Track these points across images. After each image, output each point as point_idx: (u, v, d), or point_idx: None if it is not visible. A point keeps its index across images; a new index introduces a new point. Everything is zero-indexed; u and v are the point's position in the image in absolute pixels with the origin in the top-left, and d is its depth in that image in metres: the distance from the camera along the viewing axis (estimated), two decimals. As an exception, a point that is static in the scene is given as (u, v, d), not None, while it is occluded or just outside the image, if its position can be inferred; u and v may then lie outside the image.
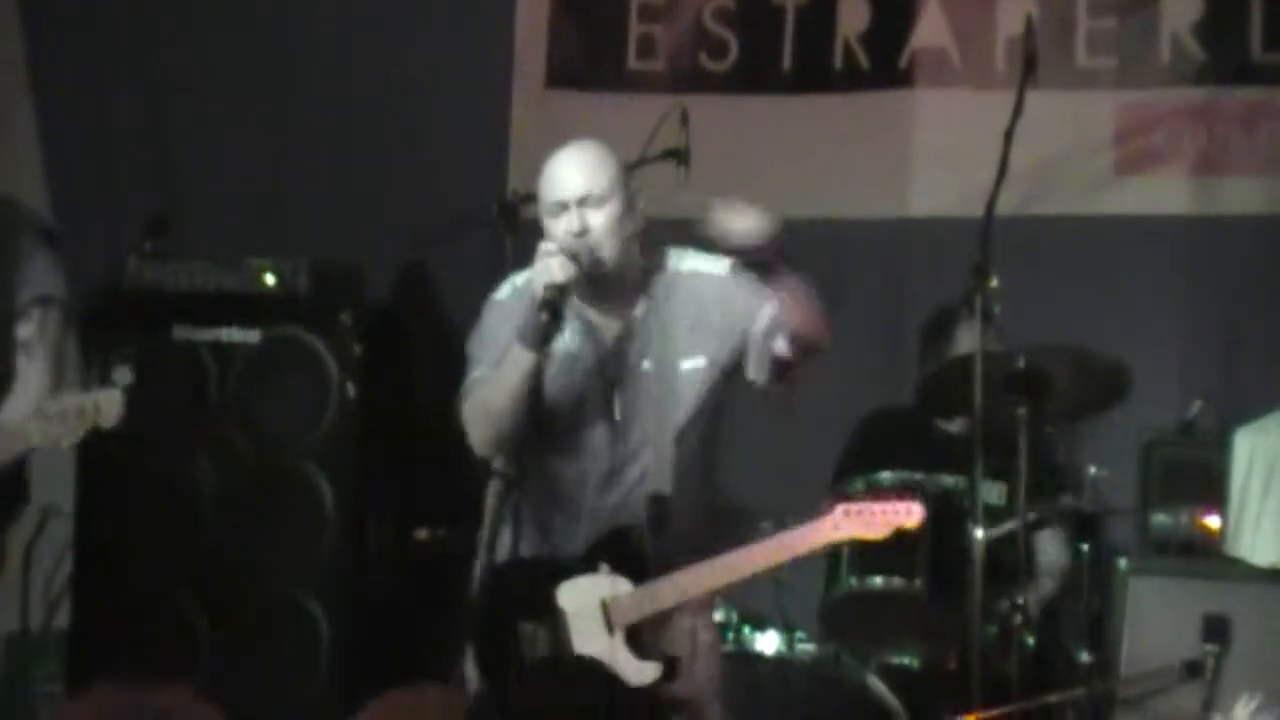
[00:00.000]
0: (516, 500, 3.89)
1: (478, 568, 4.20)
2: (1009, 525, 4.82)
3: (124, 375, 4.05)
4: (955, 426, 5.44)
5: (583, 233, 4.00)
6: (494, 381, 4.02)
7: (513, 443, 4.03)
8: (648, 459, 4.09)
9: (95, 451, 5.75)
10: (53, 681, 6.01)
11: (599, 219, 4.02)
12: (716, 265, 4.14)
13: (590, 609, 4.01)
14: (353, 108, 6.49)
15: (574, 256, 3.97)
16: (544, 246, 4.01)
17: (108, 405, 4.05)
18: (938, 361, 5.43)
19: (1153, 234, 6.06)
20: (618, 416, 4.09)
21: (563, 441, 4.09)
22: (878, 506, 3.99)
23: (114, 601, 5.79)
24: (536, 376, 3.95)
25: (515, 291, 4.18)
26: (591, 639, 4.01)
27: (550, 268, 3.93)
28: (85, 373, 4.43)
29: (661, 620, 4.04)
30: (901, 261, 6.28)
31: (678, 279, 4.14)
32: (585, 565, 4.04)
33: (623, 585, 4.03)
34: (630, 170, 4.21)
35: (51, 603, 6.10)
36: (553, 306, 3.91)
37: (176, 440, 5.78)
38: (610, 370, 4.10)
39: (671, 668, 4.04)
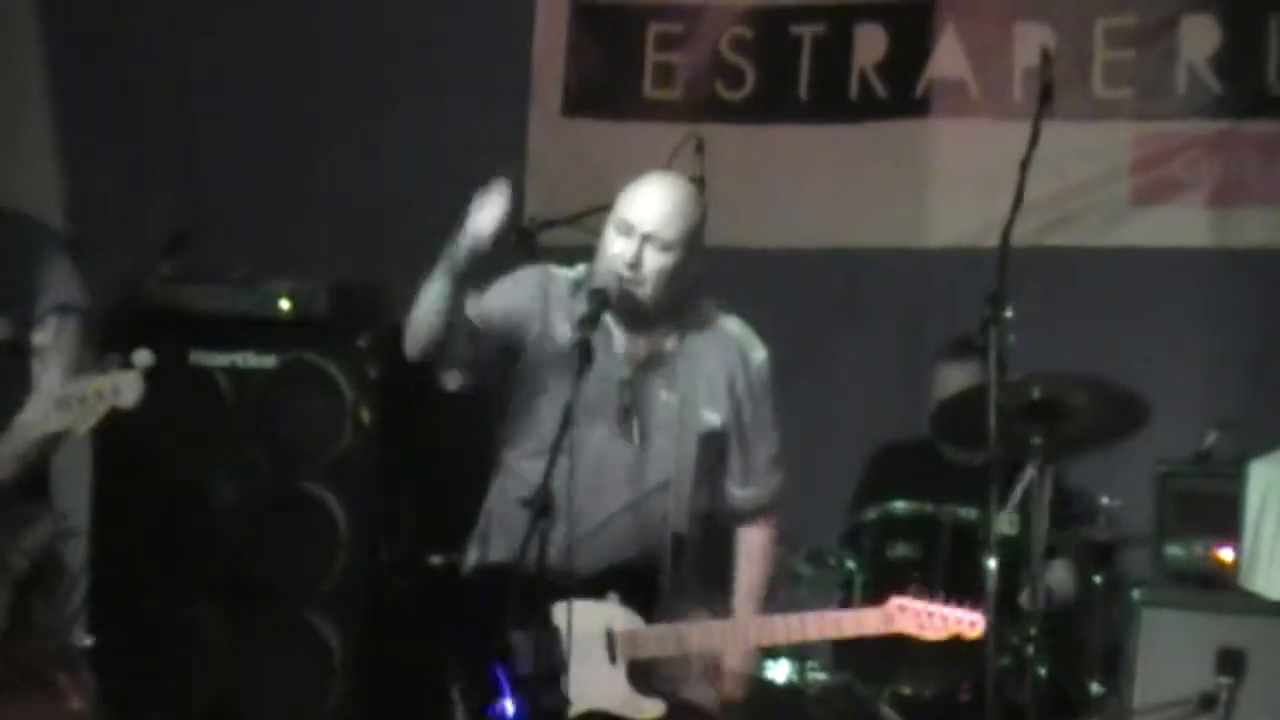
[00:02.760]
0: (544, 528, 3.83)
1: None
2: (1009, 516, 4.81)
3: (143, 357, 4.00)
4: (967, 456, 5.43)
5: (635, 265, 4.01)
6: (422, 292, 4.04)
7: (437, 356, 4.04)
8: (656, 483, 4.08)
9: (111, 473, 5.80)
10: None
11: (654, 261, 4.02)
12: (757, 347, 4.19)
13: (593, 634, 3.99)
14: (372, 131, 6.51)
15: (600, 292, 3.99)
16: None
17: (127, 386, 3.98)
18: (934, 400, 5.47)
19: (1169, 264, 6.06)
20: (635, 437, 4.09)
21: (550, 441, 4.01)
22: (938, 610, 3.96)
23: (130, 620, 5.79)
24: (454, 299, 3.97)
25: (544, 275, 4.20)
26: (589, 663, 3.97)
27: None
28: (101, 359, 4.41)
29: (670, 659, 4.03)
30: (918, 290, 6.28)
31: (719, 333, 4.16)
32: (590, 589, 4.00)
33: (631, 619, 4.01)
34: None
35: (68, 621, 6.09)
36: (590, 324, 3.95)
37: (193, 462, 5.79)
38: (627, 392, 4.09)
39: (674, 706, 4.02)
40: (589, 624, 3.98)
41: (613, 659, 3.99)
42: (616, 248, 4.03)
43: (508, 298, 4.14)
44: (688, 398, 4.09)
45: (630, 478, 4.09)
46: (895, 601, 3.96)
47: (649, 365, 4.11)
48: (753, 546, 4.22)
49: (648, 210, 4.04)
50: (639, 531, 4.08)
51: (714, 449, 4.14)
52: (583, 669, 3.96)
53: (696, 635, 4.01)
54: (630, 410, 4.08)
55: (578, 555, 3.97)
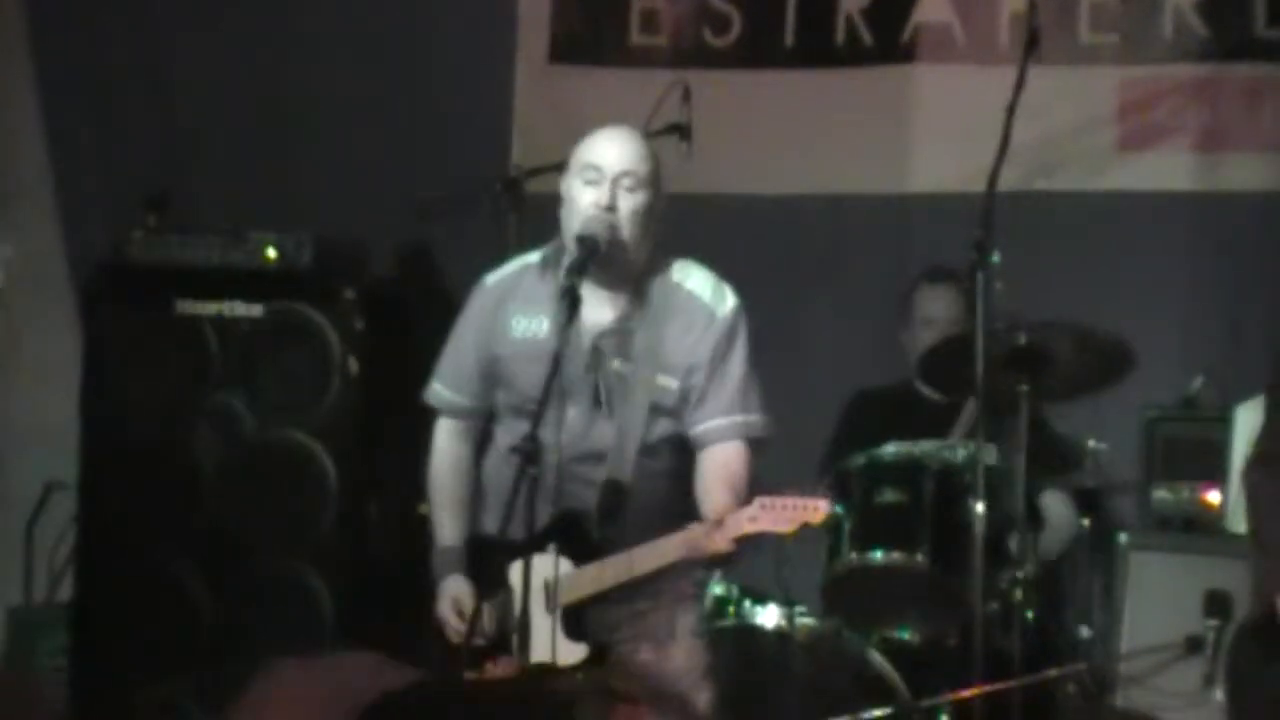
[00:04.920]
0: (534, 476, 3.82)
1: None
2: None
3: (3, 251, 3.96)
4: (946, 397, 5.43)
5: (611, 208, 4.00)
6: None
7: None
8: (596, 450, 4.06)
9: (99, 425, 5.80)
10: (57, 655, 6.02)
11: (629, 202, 4.01)
12: (720, 298, 4.11)
13: (535, 588, 3.96)
14: (356, 82, 6.48)
15: (590, 238, 3.96)
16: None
17: None
18: (907, 328, 5.56)
19: (1155, 210, 6.05)
20: (602, 401, 4.08)
21: (524, 402, 4.05)
22: (788, 501, 3.88)
23: (117, 574, 5.80)
24: None
25: (500, 280, 4.21)
26: (535, 617, 3.96)
27: None
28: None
29: (607, 606, 4.01)
30: (903, 237, 6.27)
31: (677, 292, 4.10)
32: (536, 545, 3.96)
33: (565, 567, 4.00)
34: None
35: (55, 576, 6.11)
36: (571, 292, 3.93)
37: (179, 414, 5.78)
38: (592, 358, 4.08)
39: (601, 654, 4.00)
40: (533, 578, 3.94)
41: (548, 608, 3.98)
42: (588, 196, 4.01)
43: (464, 352, 4.24)
44: (642, 368, 4.05)
45: (573, 440, 4.06)
46: (757, 500, 3.88)
47: (608, 332, 4.08)
48: (715, 466, 4.07)
49: (612, 152, 4.03)
50: (573, 494, 4.05)
51: (665, 412, 4.08)
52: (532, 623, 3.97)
53: (611, 568, 3.97)
54: (589, 373, 4.07)
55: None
